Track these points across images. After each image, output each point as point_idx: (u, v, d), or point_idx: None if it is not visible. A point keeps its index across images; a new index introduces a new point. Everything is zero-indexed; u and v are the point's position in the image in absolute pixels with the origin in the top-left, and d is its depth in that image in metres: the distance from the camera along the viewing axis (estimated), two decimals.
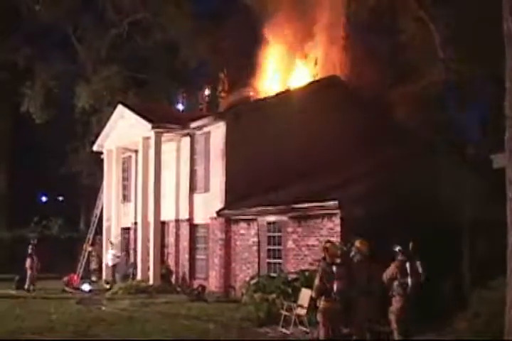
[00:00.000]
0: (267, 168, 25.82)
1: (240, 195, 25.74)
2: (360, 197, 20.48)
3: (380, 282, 15.26)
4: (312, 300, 16.87)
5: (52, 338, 17.28)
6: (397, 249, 15.35)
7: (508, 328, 12.00)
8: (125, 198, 35.50)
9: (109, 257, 33.07)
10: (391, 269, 15.22)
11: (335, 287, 14.92)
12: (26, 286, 30.93)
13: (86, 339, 17.64)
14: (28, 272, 31.29)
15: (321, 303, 15.07)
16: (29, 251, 31.91)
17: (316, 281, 15.25)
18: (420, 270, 15.14)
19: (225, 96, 33.60)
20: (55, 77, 45.61)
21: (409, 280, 14.99)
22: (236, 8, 37.98)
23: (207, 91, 35.01)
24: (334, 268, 15.08)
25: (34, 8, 44.22)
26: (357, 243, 15.67)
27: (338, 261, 15.48)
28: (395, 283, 15.10)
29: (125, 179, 35.85)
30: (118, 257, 32.93)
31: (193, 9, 43.98)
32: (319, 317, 15.20)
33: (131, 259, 33.51)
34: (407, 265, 15.10)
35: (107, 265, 33.32)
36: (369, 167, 24.11)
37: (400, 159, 23.79)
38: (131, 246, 34.28)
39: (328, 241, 16.12)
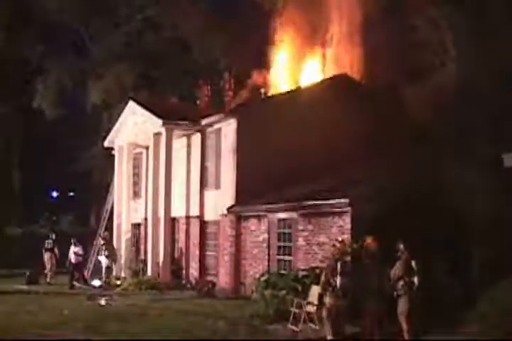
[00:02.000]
0: (277, 165, 25.78)
1: (251, 191, 25.71)
2: (371, 195, 20.39)
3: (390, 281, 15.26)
4: (320, 297, 17.04)
5: (57, 337, 17.29)
6: (401, 246, 15.33)
7: None
8: (136, 194, 35.54)
9: (71, 255, 31.37)
10: (396, 268, 15.20)
11: (338, 283, 14.99)
12: (48, 280, 31.45)
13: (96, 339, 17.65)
14: (48, 266, 31.62)
15: (327, 299, 15.16)
16: (48, 245, 32.16)
17: (322, 277, 15.35)
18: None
19: (231, 95, 33.52)
20: (67, 73, 45.72)
21: (415, 278, 14.97)
22: (247, 4, 37.92)
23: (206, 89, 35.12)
24: (338, 265, 15.14)
25: (46, 5, 44.25)
26: (367, 241, 15.67)
27: (348, 258, 15.56)
28: (401, 282, 15.07)
29: (136, 175, 35.88)
30: (80, 255, 31.64)
31: (204, 6, 44.02)
32: (324, 313, 15.28)
33: (142, 255, 33.58)
34: (413, 263, 15.08)
35: (69, 262, 31.44)
36: (380, 165, 24.08)
37: (412, 157, 23.71)
38: (142, 242, 34.35)
39: (340, 241, 16.19)
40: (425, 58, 29.15)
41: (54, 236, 33.29)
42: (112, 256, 32.85)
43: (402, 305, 15.08)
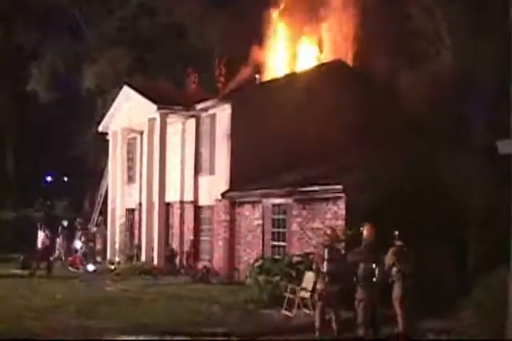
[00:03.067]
0: (272, 150, 25.71)
1: (245, 177, 25.67)
2: (366, 181, 20.42)
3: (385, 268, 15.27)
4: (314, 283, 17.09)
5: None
6: (395, 233, 15.34)
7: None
8: (130, 179, 35.45)
9: (39, 239, 30.46)
10: (389, 255, 15.21)
11: (325, 269, 15.05)
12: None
13: None
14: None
15: (318, 285, 15.28)
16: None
17: (314, 264, 15.48)
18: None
19: (222, 80, 33.31)
20: (61, 57, 45.52)
21: (407, 266, 14.99)
22: None
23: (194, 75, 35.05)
24: (326, 251, 15.17)
25: None
26: (363, 229, 15.65)
27: (340, 245, 15.70)
28: (394, 269, 15.10)
29: (130, 160, 35.76)
30: (48, 240, 30.43)
31: None
32: (315, 298, 15.42)
33: (136, 240, 33.54)
34: (405, 250, 15.10)
35: (38, 247, 30.55)
36: (375, 152, 24.04)
37: (407, 146, 23.67)
38: (136, 227, 34.30)
39: (332, 228, 16.23)
40: (420, 47, 29.08)
41: (66, 224, 33.83)
42: (105, 241, 32.92)
43: (396, 291, 15.10)
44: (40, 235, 30.49)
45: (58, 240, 32.84)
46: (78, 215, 39.27)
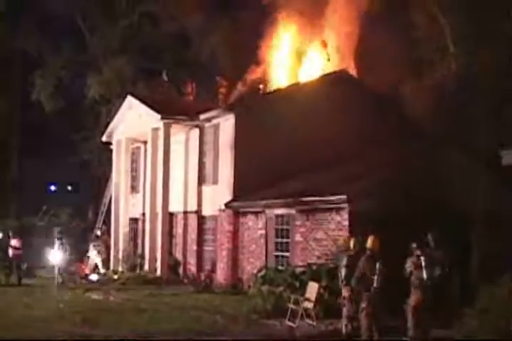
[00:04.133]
0: (275, 160, 25.83)
1: (249, 187, 25.78)
2: (369, 191, 20.50)
3: (384, 277, 15.58)
4: (318, 294, 17.43)
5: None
6: (413, 245, 15.69)
7: None
8: (134, 189, 35.57)
9: (10, 248, 30.02)
10: (408, 264, 15.63)
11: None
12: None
13: None
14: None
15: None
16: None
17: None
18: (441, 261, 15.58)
19: (224, 91, 33.37)
20: (65, 66, 45.71)
21: (424, 273, 15.31)
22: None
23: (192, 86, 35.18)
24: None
25: None
26: (368, 240, 15.98)
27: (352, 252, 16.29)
28: (412, 277, 15.48)
29: (134, 170, 35.91)
30: (18, 249, 29.99)
31: (202, 1, 43.89)
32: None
33: (139, 250, 33.62)
34: (422, 259, 15.42)
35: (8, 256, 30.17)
36: (378, 161, 24.12)
37: (410, 153, 23.76)
38: (139, 236, 34.40)
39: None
40: (425, 54, 29.24)
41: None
42: (108, 250, 33.02)
43: (413, 299, 15.55)
44: (11, 243, 30.13)
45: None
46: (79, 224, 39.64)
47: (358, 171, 23.09)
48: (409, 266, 15.65)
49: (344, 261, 16.69)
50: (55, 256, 29.37)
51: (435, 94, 27.53)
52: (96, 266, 32.40)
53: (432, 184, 20.68)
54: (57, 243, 30.22)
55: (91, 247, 33.21)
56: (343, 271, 16.62)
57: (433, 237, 16.00)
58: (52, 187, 60.35)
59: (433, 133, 27.26)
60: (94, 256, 32.72)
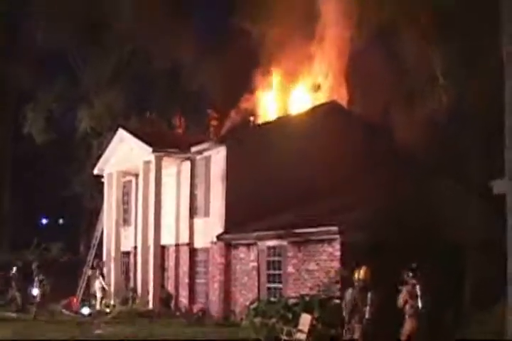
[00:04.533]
0: (267, 192, 25.88)
1: (240, 219, 25.78)
2: (361, 222, 20.55)
3: (376, 308, 15.61)
4: (311, 326, 17.38)
5: None
6: (409, 274, 15.74)
7: None
8: (125, 222, 35.55)
9: None
10: (403, 294, 15.76)
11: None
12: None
13: None
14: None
15: None
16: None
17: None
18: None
19: (215, 123, 33.41)
20: (57, 99, 45.86)
21: (419, 302, 15.39)
22: (236, 32, 38.10)
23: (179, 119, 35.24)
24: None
25: (37, 30, 44.50)
26: (361, 272, 16.01)
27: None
28: (407, 305, 15.52)
29: (125, 203, 35.90)
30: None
31: (194, 34, 44.20)
32: None
33: (131, 283, 33.49)
34: (417, 288, 15.49)
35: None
36: (370, 191, 24.20)
37: (402, 184, 23.86)
38: (131, 269, 34.28)
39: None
40: (416, 85, 29.48)
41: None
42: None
43: (407, 328, 15.62)
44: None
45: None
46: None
47: (349, 201, 23.14)
48: (403, 295, 15.72)
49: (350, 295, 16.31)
50: (33, 291, 29.69)
51: (426, 124, 27.75)
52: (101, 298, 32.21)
53: (424, 213, 20.74)
54: (35, 278, 30.29)
55: (97, 282, 33.02)
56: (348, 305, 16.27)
57: (417, 267, 16.07)
58: (44, 221, 60.24)
59: (424, 162, 27.42)
60: (97, 289, 32.54)
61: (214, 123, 32.66)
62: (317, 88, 32.40)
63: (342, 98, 31.12)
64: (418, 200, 21.36)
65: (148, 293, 29.66)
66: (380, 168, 26.30)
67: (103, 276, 33.15)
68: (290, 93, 33.59)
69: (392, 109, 30.63)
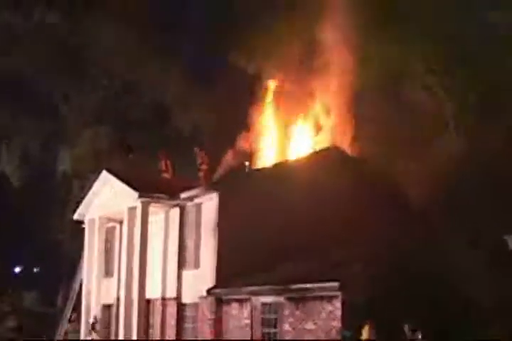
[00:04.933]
0: (262, 243, 25.76)
1: (233, 272, 25.61)
2: (363, 277, 20.46)
3: None
4: None
5: None
6: (412, 332, 16.08)
7: None
8: (107, 272, 35.27)
9: None
10: None
11: None
12: None
13: None
14: None
15: None
16: None
17: None
18: None
19: (206, 168, 33.42)
20: (35, 137, 45.89)
21: None
22: (231, 71, 38.32)
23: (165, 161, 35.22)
24: None
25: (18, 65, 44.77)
26: (364, 331, 16.11)
27: None
28: None
29: (108, 251, 35.66)
30: None
31: (184, 72, 44.48)
32: None
33: (113, 338, 33.19)
34: None
35: None
36: (373, 244, 24.12)
37: (404, 236, 23.81)
38: (113, 324, 33.97)
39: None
40: (422, 131, 29.59)
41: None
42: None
43: None
44: None
45: None
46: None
47: (351, 255, 23.06)
48: None
49: None
50: None
51: (434, 175, 27.82)
52: None
53: (428, 269, 20.69)
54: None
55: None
56: None
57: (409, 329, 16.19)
58: (17, 269, 59.84)
59: (431, 214, 27.42)
60: None
61: (204, 167, 32.49)
62: (318, 130, 32.50)
63: (344, 139, 31.14)
64: (423, 255, 21.31)
65: None
66: (383, 219, 26.25)
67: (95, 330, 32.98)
68: (289, 132, 33.62)
69: (398, 154, 30.66)
